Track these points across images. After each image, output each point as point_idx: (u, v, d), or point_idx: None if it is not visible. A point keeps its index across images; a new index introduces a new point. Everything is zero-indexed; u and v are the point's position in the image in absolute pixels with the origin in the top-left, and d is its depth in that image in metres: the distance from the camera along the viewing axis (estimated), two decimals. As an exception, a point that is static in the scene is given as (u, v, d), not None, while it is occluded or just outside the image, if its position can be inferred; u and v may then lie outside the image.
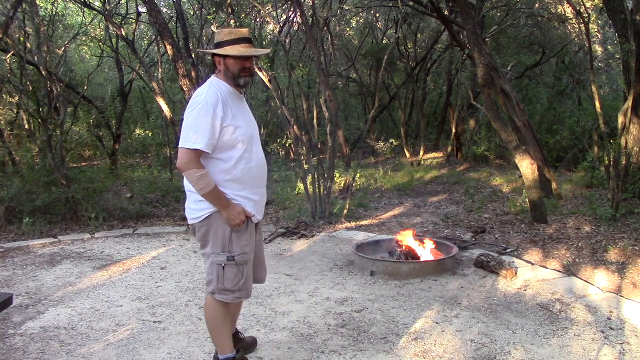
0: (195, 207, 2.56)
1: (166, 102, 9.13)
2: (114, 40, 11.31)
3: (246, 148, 2.55)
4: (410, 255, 4.76)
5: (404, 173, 10.99)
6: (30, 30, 8.67)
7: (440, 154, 13.79)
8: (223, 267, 2.53)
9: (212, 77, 2.61)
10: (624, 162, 6.02)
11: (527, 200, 6.34)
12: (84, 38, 12.49)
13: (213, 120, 2.44)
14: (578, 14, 7.78)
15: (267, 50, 2.88)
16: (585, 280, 4.26)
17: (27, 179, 6.94)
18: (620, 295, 3.91)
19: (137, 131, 15.34)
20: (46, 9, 11.18)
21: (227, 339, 2.71)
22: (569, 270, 4.55)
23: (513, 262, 4.67)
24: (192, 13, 12.73)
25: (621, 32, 6.54)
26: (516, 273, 4.40)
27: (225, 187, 2.53)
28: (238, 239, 2.55)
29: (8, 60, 8.28)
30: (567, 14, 11.10)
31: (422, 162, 12.56)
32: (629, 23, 5.97)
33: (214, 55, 2.60)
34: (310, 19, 8.21)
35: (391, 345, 3.17)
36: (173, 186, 9.19)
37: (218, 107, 2.45)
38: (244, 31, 2.61)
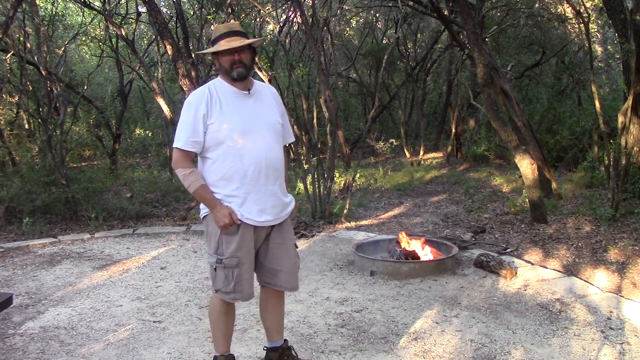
0: (200, 207, 2.61)
1: (166, 102, 9.12)
2: (114, 40, 11.31)
3: (235, 145, 2.46)
4: (410, 255, 4.76)
5: (404, 173, 10.99)
6: (30, 30, 8.66)
7: (440, 154, 13.80)
8: (215, 268, 2.52)
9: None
10: (624, 162, 6.02)
11: (527, 200, 6.34)
12: (84, 38, 12.48)
13: (195, 118, 2.45)
14: (578, 14, 7.77)
15: (249, 41, 2.54)
16: (585, 280, 4.26)
17: (27, 179, 6.93)
18: (620, 295, 3.91)
19: (137, 131, 15.33)
20: (46, 9, 11.17)
21: (221, 337, 2.67)
22: (569, 270, 4.55)
23: (513, 262, 4.67)
24: (192, 13, 12.73)
25: (621, 32, 6.53)
26: (516, 273, 4.40)
27: (218, 186, 2.50)
28: (228, 241, 2.48)
29: (8, 60, 8.28)
30: (567, 14, 11.09)
31: (422, 162, 12.56)
32: (629, 23, 5.96)
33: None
34: (310, 19, 8.20)
35: (391, 345, 3.17)
36: (173, 186, 9.19)
37: (202, 105, 2.45)
38: (231, 25, 2.58)
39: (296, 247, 2.74)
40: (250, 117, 2.52)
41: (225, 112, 2.48)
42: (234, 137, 2.46)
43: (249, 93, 2.57)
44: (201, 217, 2.62)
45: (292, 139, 2.81)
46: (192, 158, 2.52)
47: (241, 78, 2.52)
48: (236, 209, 2.48)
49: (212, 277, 2.57)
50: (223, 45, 2.49)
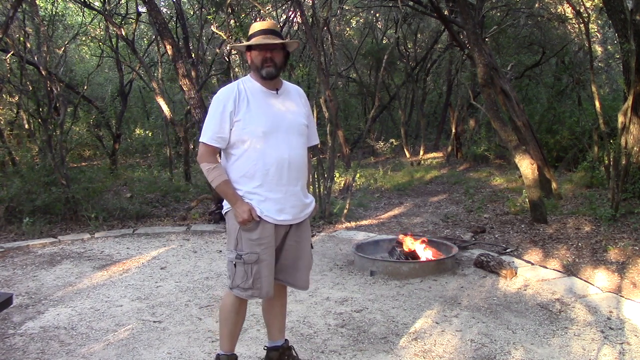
0: (224, 203, 2.63)
1: (166, 102, 9.13)
2: (114, 40, 11.31)
3: (259, 144, 2.49)
4: (410, 255, 4.76)
5: (404, 173, 10.99)
6: (30, 30, 8.66)
7: (440, 154, 13.80)
8: (234, 264, 2.54)
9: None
10: (624, 162, 6.02)
11: (527, 200, 6.34)
12: (84, 38, 12.49)
13: (222, 114, 2.49)
14: (578, 14, 7.77)
15: (283, 41, 2.55)
16: (585, 280, 4.27)
17: (27, 179, 6.93)
18: (620, 295, 3.91)
19: (137, 131, 15.34)
20: (46, 9, 11.18)
21: (227, 336, 2.67)
22: (569, 270, 4.55)
23: (513, 262, 4.67)
24: (192, 13, 12.74)
25: (621, 32, 6.53)
26: (516, 273, 4.40)
27: (240, 183, 2.53)
28: (247, 237, 2.51)
29: (8, 60, 8.28)
30: (567, 14, 11.10)
31: (422, 162, 12.57)
32: (629, 23, 5.96)
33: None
34: (310, 19, 8.20)
35: (391, 345, 3.17)
36: (173, 186, 9.19)
37: (229, 102, 2.49)
38: (268, 23, 2.61)
39: (312, 247, 2.76)
40: (276, 117, 2.54)
41: (252, 110, 2.51)
42: (258, 135, 2.48)
43: (277, 93, 2.59)
44: (224, 212, 2.64)
45: (317, 142, 2.82)
46: (216, 153, 2.57)
47: (270, 77, 2.54)
48: (256, 206, 2.50)
49: (230, 274, 2.57)
50: (256, 40, 2.51)
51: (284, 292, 2.81)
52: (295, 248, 2.66)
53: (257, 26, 2.59)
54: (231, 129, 2.50)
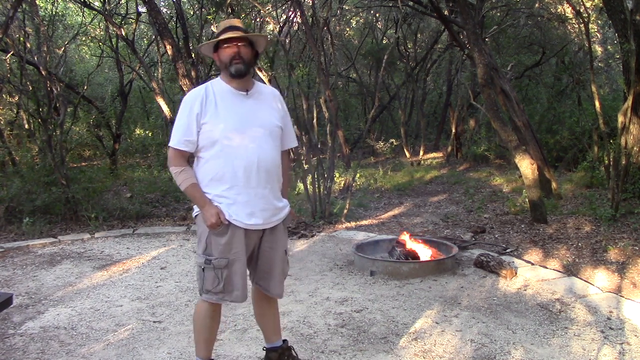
0: (194, 207, 2.59)
1: (166, 102, 9.12)
2: (114, 40, 11.31)
3: (227, 145, 2.43)
4: (410, 255, 4.76)
5: (404, 173, 10.99)
6: (30, 30, 8.65)
7: (440, 154, 13.81)
8: (203, 269, 2.49)
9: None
10: (624, 162, 6.02)
11: (527, 200, 6.34)
12: (84, 38, 12.49)
13: (189, 117, 2.46)
14: (578, 14, 7.77)
15: (249, 34, 2.52)
16: (585, 280, 4.26)
17: (27, 179, 6.93)
18: (620, 295, 3.91)
19: (137, 131, 15.33)
20: (46, 9, 11.18)
21: (203, 342, 2.62)
22: (569, 270, 4.55)
23: (513, 262, 4.67)
24: (192, 13, 12.73)
25: (621, 32, 6.53)
26: (516, 273, 4.40)
27: (210, 186, 2.48)
28: (217, 242, 2.46)
29: (8, 60, 8.28)
30: (567, 14, 11.10)
31: (422, 162, 12.56)
32: (629, 23, 5.96)
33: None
34: (310, 19, 8.21)
35: (391, 345, 3.17)
36: (173, 186, 9.18)
37: (196, 104, 2.45)
38: (232, 20, 2.57)
39: (286, 253, 2.71)
40: (245, 118, 2.49)
41: (220, 112, 2.46)
42: (226, 137, 2.44)
43: (247, 94, 2.54)
44: (194, 216, 2.60)
45: (294, 144, 2.75)
46: (186, 157, 2.52)
47: (239, 75, 2.48)
48: (225, 210, 2.46)
49: (199, 278, 2.53)
50: (222, 36, 2.48)
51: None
52: (269, 254, 2.62)
53: (221, 25, 2.55)
54: (199, 132, 2.45)
